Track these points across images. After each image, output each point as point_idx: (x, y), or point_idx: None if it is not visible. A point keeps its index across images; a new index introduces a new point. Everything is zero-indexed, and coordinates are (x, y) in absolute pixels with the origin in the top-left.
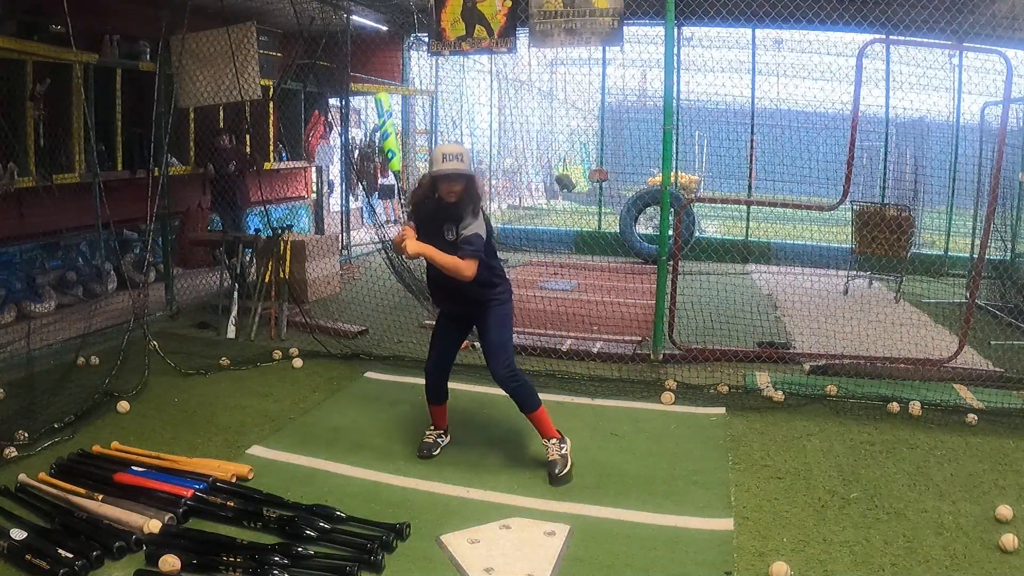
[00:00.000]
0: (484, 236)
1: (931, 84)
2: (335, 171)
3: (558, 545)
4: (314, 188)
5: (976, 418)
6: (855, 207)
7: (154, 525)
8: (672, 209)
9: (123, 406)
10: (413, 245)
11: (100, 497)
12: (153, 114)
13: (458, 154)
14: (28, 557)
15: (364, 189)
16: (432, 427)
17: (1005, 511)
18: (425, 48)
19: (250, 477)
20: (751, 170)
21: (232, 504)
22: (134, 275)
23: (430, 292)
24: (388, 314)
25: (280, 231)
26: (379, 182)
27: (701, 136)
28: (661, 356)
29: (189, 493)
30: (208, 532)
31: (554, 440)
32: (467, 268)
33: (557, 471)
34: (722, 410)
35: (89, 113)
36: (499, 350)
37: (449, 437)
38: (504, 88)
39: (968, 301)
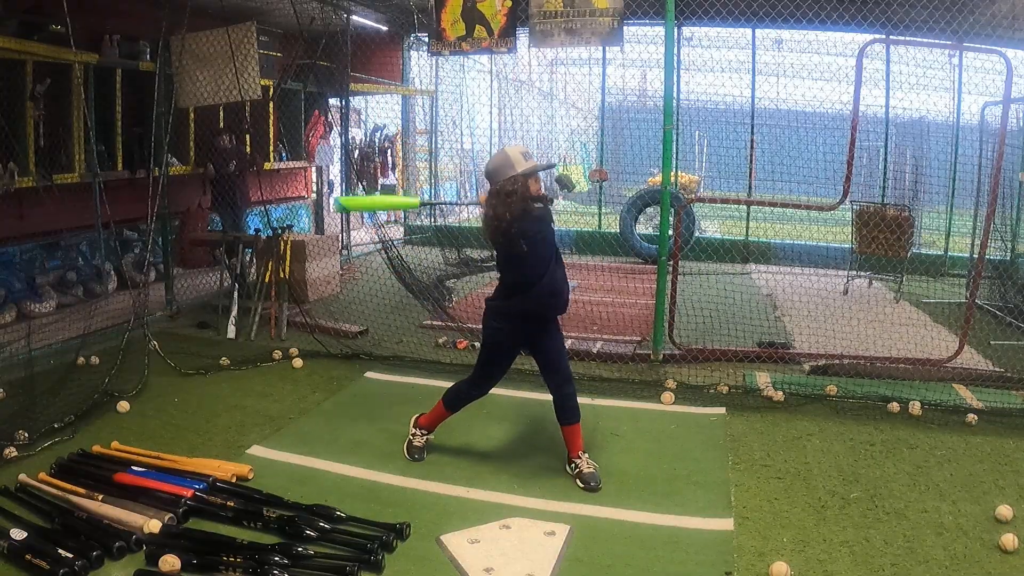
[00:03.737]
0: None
1: (931, 84)
2: (335, 171)
3: (558, 545)
4: (314, 188)
5: (976, 418)
6: (855, 207)
7: (154, 525)
8: (672, 209)
9: (123, 406)
10: None
11: (100, 497)
12: (153, 114)
13: (528, 152)
14: (28, 557)
15: (364, 189)
16: (423, 430)
17: (1005, 511)
18: (425, 48)
19: (250, 477)
20: (751, 170)
21: (232, 504)
22: (134, 275)
23: (541, 303)
24: (388, 314)
25: (280, 231)
26: (379, 182)
27: (701, 136)
28: (661, 356)
29: (189, 493)
30: (208, 532)
31: (585, 455)
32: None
33: (594, 484)
34: (722, 410)
35: (89, 113)
36: (566, 355)
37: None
38: (504, 88)
39: (968, 301)
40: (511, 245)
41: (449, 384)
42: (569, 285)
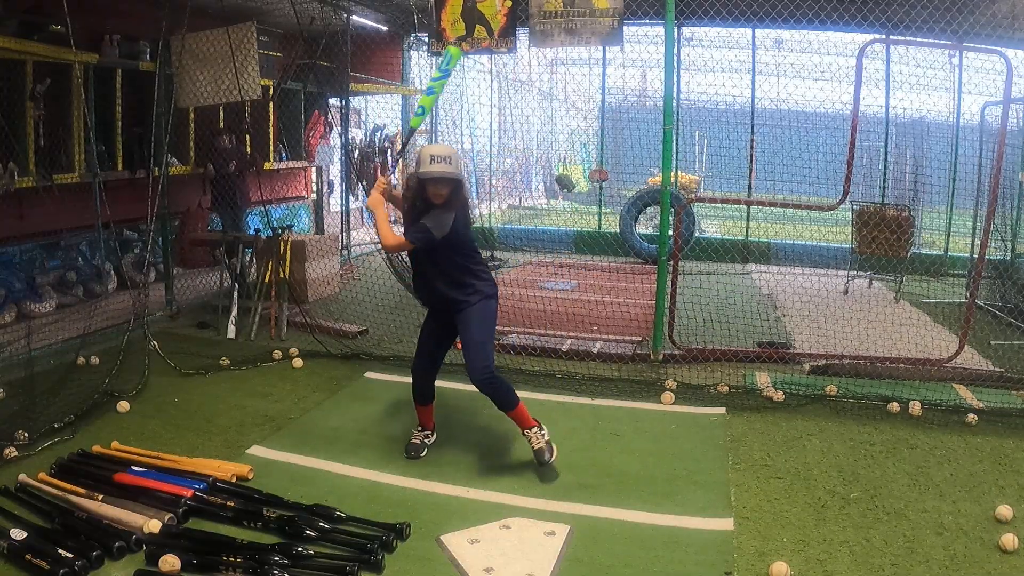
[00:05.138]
0: (444, 229)
1: (931, 84)
2: (335, 171)
3: (558, 545)
4: (314, 188)
5: (976, 418)
6: (855, 207)
7: (154, 525)
8: (672, 209)
9: (123, 406)
10: (375, 197)
11: (100, 497)
12: (153, 114)
13: (446, 156)
14: (28, 557)
15: (364, 189)
16: (419, 427)
17: (1005, 511)
18: (425, 48)
19: (250, 477)
20: (751, 170)
21: (232, 504)
22: (134, 275)
23: (413, 285)
24: (388, 314)
25: (280, 231)
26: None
27: (701, 136)
28: (661, 356)
29: (189, 493)
30: (208, 532)
31: (534, 428)
32: (393, 241)
33: (546, 457)
34: (722, 410)
35: (89, 113)
36: (476, 349)
37: (435, 436)
38: (504, 88)
39: (968, 301)
40: None
41: (446, 384)
42: (441, 292)
